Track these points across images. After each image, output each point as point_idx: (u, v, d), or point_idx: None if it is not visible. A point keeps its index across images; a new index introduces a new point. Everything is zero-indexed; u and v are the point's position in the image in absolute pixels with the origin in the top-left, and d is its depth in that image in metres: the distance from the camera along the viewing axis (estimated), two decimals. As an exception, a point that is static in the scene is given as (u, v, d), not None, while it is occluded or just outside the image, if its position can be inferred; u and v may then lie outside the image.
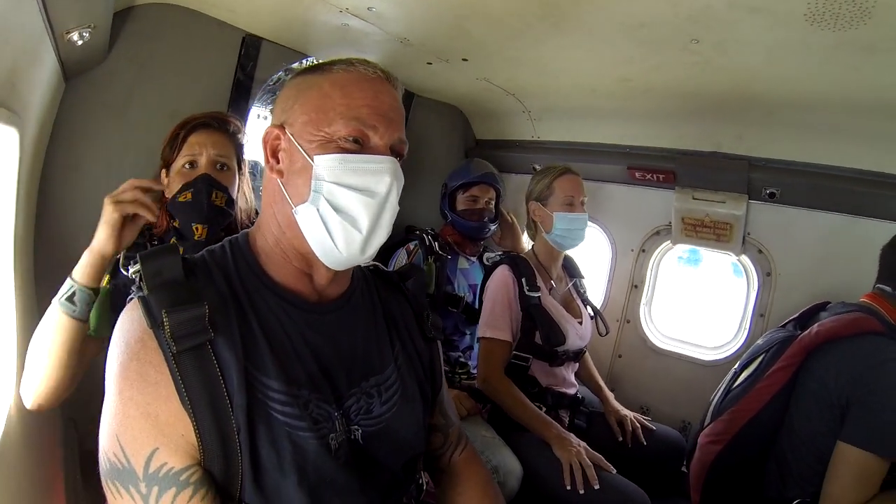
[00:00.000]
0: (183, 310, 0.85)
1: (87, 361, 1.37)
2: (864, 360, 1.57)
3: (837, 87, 1.77)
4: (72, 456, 1.70)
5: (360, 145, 0.95)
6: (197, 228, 1.57)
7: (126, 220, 1.31)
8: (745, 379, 1.83)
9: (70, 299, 1.26)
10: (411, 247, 2.64)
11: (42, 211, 1.79)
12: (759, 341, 1.94)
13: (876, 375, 1.53)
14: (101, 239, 1.28)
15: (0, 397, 1.29)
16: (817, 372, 1.65)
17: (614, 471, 1.92)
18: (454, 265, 2.72)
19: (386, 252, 2.78)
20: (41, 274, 1.77)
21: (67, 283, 1.28)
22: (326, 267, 0.99)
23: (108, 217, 1.28)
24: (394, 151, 0.99)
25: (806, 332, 1.72)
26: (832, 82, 1.75)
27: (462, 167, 2.83)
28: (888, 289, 1.72)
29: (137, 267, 0.89)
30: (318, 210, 0.93)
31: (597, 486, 1.84)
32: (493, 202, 2.77)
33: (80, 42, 1.48)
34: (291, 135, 0.97)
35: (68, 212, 1.87)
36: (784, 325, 1.92)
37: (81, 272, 1.28)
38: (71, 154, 1.86)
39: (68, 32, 1.42)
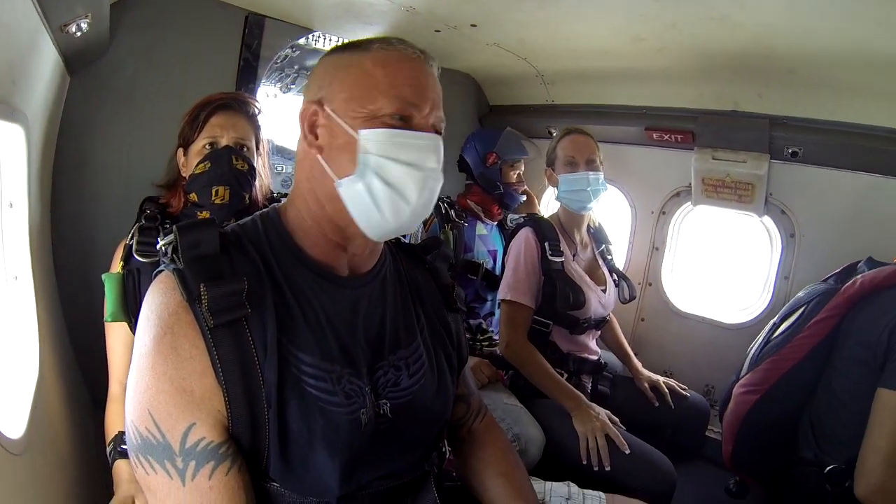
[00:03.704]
0: (222, 284, 0.85)
1: None
2: None
3: (861, 41, 1.68)
4: (98, 436, 1.77)
5: (404, 122, 0.95)
6: (217, 191, 1.52)
7: None
8: (786, 329, 1.76)
9: None
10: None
11: (57, 204, 1.82)
12: (801, 293, 1.85)
13: None
14: None
15: (25, 385, 1.33)
16: (860, 323, 1.58)
17: (628, 451, 1.87)
18: (472, 231, 2.67)
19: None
20: (61, 266, 1.81)
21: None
22: (366, 239, 0.99)
23: None
24: (434, 130, 1.00)
25: (849, 282, 1.65)
26: (856, 37, 1.66)
27: (490, 134, 2.74)
28: None
29: (170, 239, 0.89)
30: (364, 182, 0.93)
31: (608, 468, 1.82)
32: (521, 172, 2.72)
33: (78, 34, 1.47)
34: (332, 111, 0.96)
35: (83, 202, 1.91)
36: (825, 280, 1.82)
37: None
38: (81, 146, 1.88)
39: (66, 25, 1.41)
